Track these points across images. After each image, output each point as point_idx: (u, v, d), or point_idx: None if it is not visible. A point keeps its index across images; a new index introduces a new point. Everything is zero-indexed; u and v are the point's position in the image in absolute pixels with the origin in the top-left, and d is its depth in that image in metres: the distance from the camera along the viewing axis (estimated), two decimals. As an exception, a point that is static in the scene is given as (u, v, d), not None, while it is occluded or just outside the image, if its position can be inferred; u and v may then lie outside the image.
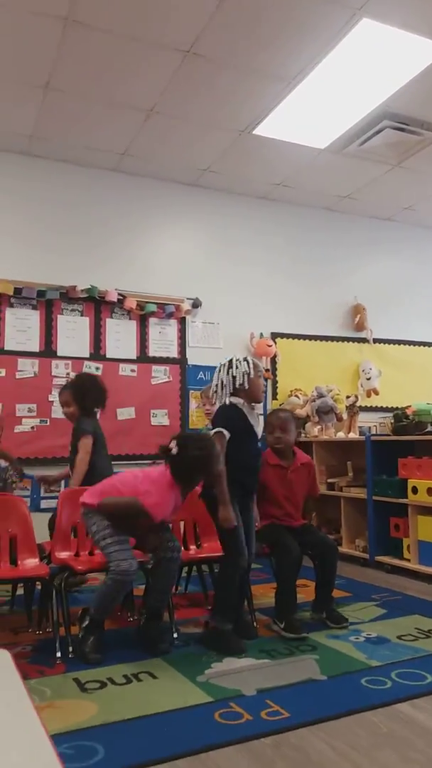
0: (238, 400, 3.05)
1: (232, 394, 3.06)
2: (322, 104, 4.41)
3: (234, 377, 3.04)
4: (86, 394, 3.79)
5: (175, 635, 3.01)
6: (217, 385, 3.11)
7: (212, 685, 2.46)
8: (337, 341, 6.33)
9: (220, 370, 3.11)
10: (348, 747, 1.99)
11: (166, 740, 2.02)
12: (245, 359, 3.11)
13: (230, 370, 3.06)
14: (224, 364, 3.11)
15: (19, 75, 4.12)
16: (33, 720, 0.63)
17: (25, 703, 0.67)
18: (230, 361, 3.10)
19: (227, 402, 3.05)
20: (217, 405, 3.13)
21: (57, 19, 3.56)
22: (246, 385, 3.04)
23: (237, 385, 3.04)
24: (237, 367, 3.06)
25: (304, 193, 5.99)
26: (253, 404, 3.13)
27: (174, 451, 2.75)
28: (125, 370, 5.45)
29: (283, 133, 4.83)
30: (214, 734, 2.06)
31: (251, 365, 3.08)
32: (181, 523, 3.52)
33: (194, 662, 2.70)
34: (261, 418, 3.23)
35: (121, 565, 2.74)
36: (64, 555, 3.06)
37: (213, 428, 3.02)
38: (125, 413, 5.33)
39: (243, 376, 3.04)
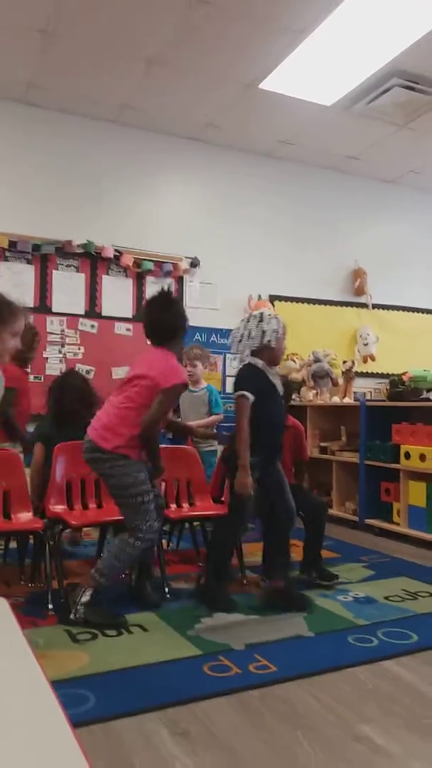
0: (257, 361, 2.92)
1: (253, 352, 2.92)
2: (330, 59, 4.27)
3: (264, 332, 2.89)
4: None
5: (167, 590, 3.05)
6: (242, 335, 2.93)
7: (202, 639, 2.50)
8: (336, 305, 6.29)
9: (248, 321, 2.94)
10: (333, 701, 2.04)
11: (156, 690, 2.06)
12: (276, 316, 2.97)
13: (260, 324, 2.90)
14: (255, 316, 2.95)
15: (17, 19, 3.95)
16: (33, 665, 0.63)
17: (24, 649, 0.67)
18: (261, 315, 2.95)
19: (247, 362, 2.92)
20: (237, 358, 3.01)
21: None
22: (273, 344, 2.91)
23: (264, 342, 2.90)
24: (268, 323, 2.92)
25: (308, 151, 5.86)
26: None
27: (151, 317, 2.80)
28: (121, 328, 5.40)
29: (289, 89, 4.69)
30: (203, 685, 2.11)
31: (281, 324, 2.95)
32: (175, 481, 3.54)
33: (185, 617, 2.75)
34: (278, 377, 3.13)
35: (155, 525, 2.72)
36: (58, 509, 3.07)
37: (235, 390, 2.88)
38: (120, 372, 5.30)
39: (272, 333, 2.91)
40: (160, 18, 3.90)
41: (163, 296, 2.91)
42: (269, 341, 2.91)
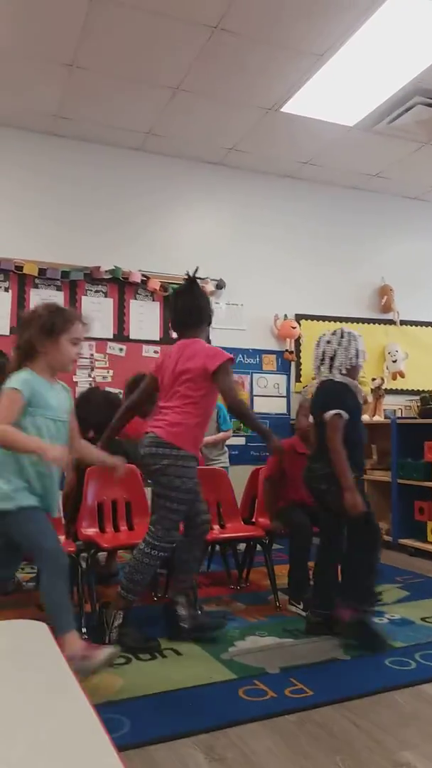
0: (349, 380, 2.83)
1: (344, 373, 2.82)
2: (351, 81, 4.31)
3: (357, 351, 2.82)
4: None
5: (199, 613, 3.03)
6: (335, 351, 2.82)
7: (236, 663, 2.48)
8: (363, 323, 6.26)
9: (342, 337, 2.83)
10: (372, 725, 2.00)
11: (192, 715, 2.05)
12: (359, 336, 2.90)
13: (354, 342, 2.83)
14: (348, 333, 2.86)
15: (44, 53, 4.09)
16: (75, 689, 0.65)
17: (66, 673, 0.68)
18: (351, 333, 2.86)
19: (339, 380, 2.82)
20: (321, 374, 2.89)
21: (83, -5, 3.53)
22: (361, 363, 2.86)
23: (358, 361, 2.83)
24: (359, 342, 2.85)
25: (331, 171, 5.89)
26: None
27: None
28: (149, 351, 5.46)
29: (311, 111, 4.74)
30: (238, 710, 2.09)
31: (363, 345, 2.89)
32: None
33: (218, 640, 2.73)
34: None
35: (175, 536, 2.71)
36: (90, 532, 3.09)
37: (324, 409, 2.77)
38: (149, 394, 5.35)
39: (363, 353, 2.85)
40: (183, 47, 3.99)
41: (188, 285, 2.89)
42: (360, 361, 2.86)
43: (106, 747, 0.54)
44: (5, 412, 2.19)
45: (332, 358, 2.84)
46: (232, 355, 2.76)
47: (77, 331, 2.33)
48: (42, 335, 2.27)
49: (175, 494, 2.66)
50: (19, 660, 0.78)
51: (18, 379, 2.24)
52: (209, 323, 2.93)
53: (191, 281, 2.89)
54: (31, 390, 2.24)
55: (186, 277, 2.91)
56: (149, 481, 2.87)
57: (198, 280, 2.91)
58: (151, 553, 2.66)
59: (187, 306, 2.79)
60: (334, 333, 2.89)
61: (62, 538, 3.01)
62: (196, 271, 2.89)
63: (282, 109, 4.73)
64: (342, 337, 2.85)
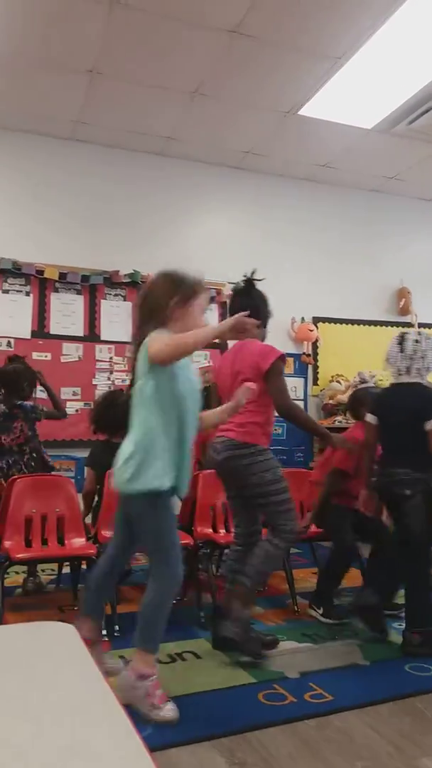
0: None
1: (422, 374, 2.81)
2: (370, 83, 4.30)
3: None
4: None
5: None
6: (425, 352, 2.84)
7: (255, 667, 2.48)
8: (381, 326, 6.23)
9: (428, 338, 2.88)
10: (392, 731, 1.99)
11: (212, 718, 2.06)
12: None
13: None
14: (428, 336, 2.89)
15: (65, 60, 4.13)
16: (106, 691, 0.66)
17: (96, 675, 0.69)
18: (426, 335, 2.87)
19: (424, 384, 2.81)
20: (402, 375, 2.86)
21: (102, 3, 3.56)
22: None
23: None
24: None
25: (349, 174, 5.88)
26: None
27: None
28: (167, 354, 5.48)
29: (329, 114, 4.73)
30: (258, 714, 2.09)
31: None
32: (223, 505, 3.53)
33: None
34: None
35: (295, 528, 2.68)
36: (110, 534, 3.11)
37: (428, 416, 2.69)
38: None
39: None
40: (202, 51, 4.01)
41: (246, 286, 2.87)
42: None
43: (139, 749, 0.55)
44: (173, 336, 2.09)
45: (423, 359, 2.82)
46: (282, 352, 2.72)
47: (205, 298, 2.31)
48: (178, 302, 2.21)
49: (273, 486, 2.62)
50: (49, 661, 0.79)
51: (163, 334, 2.13)
52: (266, 324, 2.91)
53: (249, 282, 2.88)
54: None
55: (244, 278, 2.88)
56: (231, 491, 2.83)
57: (255, 281, 2.88)
58: (279, 545, 2.62)
59: (244, 307, 2.67)
60: (419, 333, 2.89)
61: (83, 540, 3.04)
62: (253, 272, 2.87)
63: (300, 112, 4.73)
64: (428, 339, 2.86)
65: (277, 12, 3.63)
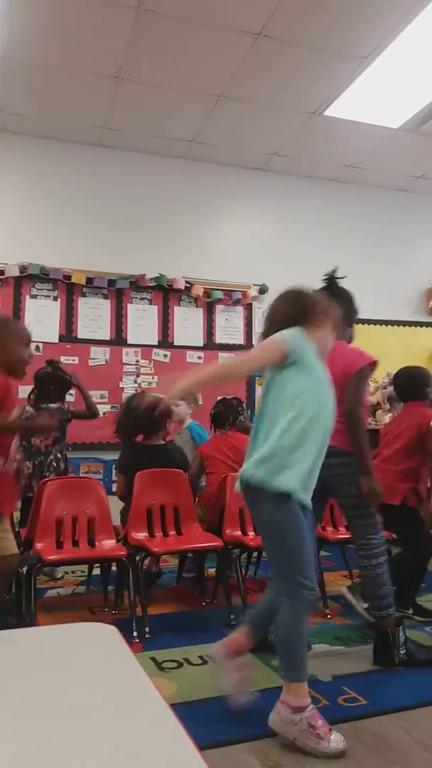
0: None
1: None
2: (397, 82, 4.27)
3: None
4: None
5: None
6: None
7: (287, 670, 2.47)
8: (410, 326, 6.17)
9: None
10: (427, 736, 1.97)
11: (245, 720, 2.05)
12: None
13: None
14: None
15: (90, 66, 4.18)
16: (153, 691, 0.66)
17: (141, 674, 0.70)
18: None
19: None
20: None
21: (128, 9, 3.59)
22: None
23: None
24: None
25: (375, 174, 5.84)
26: None
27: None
28: (192, 357, 5.50)
29: (355, 114, 4.71)
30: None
31: None
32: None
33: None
34: None
35: (382, 537, 2.61)
36: (140, 536, 3.13)
37: None
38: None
39: None
40: (226, 54, 4.02)
41: (327, 285, 2.79)
42: None
43: (190, 749, 0.55)
44: (257, 351, 2.08)
45: None
46: (374, 358, 2.61)
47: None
48: (323, 315, 2.14)
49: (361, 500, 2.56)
50: (94, 662, 0.80)
51: (288, 332, 2.04)
52: (352, 324, 2.80)
53: (330, 280, 2.80)
54: (300, 347, 2.03)
55: (325, 276, 2.81)
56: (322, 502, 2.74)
57: (337, 279, 2.80)
58: (375, 563, 2.54)
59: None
60: None
61: (113, 541, 3.06)
62: (335, 270, 2.81)
63: (326, 113, 4.71)
64: None
65: (302, 13, 3.62)
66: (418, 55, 3.98)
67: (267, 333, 2.14)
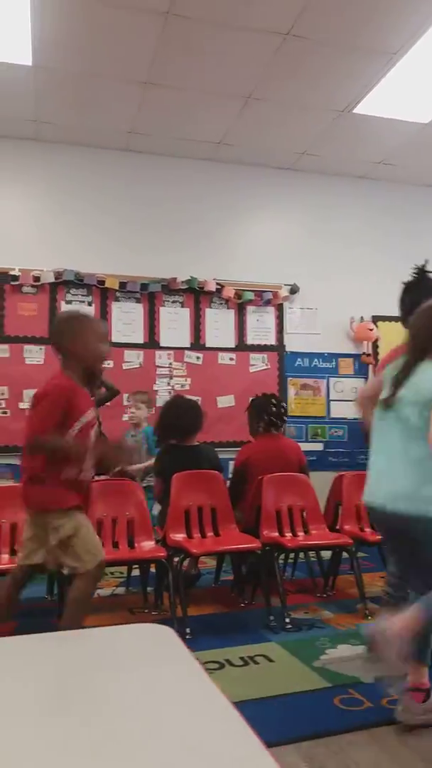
0: None
1: None
2: (425, 77, 4.21)
3: None
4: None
5: (287, 620, 3.03)
6: None
7: (329, 671, 2.47)
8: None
9: None
10: None
11: (289, 723, 2.05)
12: None
13: None
14: None
15: (120, 73, 4.23)
16: (215, 691, 0.67)
17: (202, 674, 0.71)
18: None
19: None
20: None
21: (158, 15, 3.62)
22: None
23: None
24: None
25: (405, 170, 5.77)
26: None
27: None
28: (224, 358, 5.51)
29: (384, 110, 4.66)
30: (336, 719, 2.07)
31: None
32: (288, 509, 3.52)
33: (308, 647, 2.72)
34: None
35: None
36: (178, 537, 3.15)
37: None
38: (225, 401, 5.40)
39: None
40: (255, 55, 4.03)
41: (417, 279, 2.70)
42: None
43: (259, 747, 0.56)
44: None
45: None
46: None
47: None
48: None
49: None
50: (154, 662, 0.81)
51: None
52: None
53: (421, 273, 2.71)
54: None
55: (414, 270, 2.72)
56: None
57: (429, 273, 2.69)
58: None
59: (416, 301, 2.36)
60: None
61: (152, 543, 3.09)
62: (425, 264, 2.71)
63: (354, 111, 4.68)
64: None
65: (330, 12, 3.60)
66: (449, 49, 3.92)
67: (415, 354, 2.10)
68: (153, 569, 3.33)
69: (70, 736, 0.62)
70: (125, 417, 4.76)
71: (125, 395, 4.79)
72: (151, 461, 4.07)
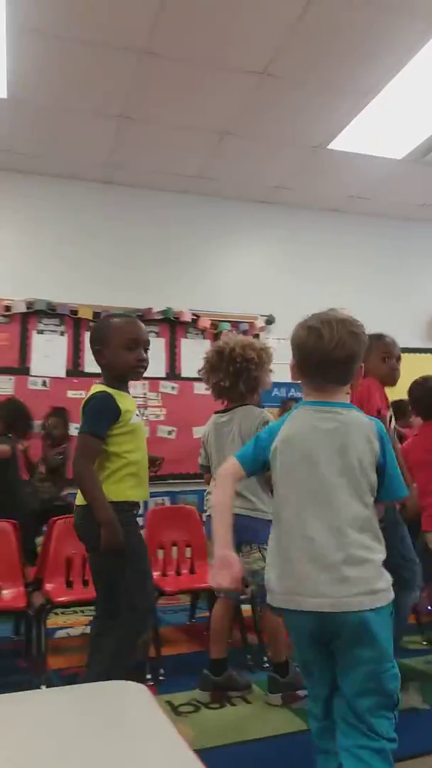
0: None
1: None
2: (399, 115, 4.32)
3: None
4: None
5: (265, 659, 2.94)
6: None
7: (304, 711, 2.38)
8: (420, 353, 6.15)
9: None
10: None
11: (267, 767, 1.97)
12: None
13: None
14: None
15: (95, 107, 4.25)
16: (191, 756, 0.62)
17: (177, 740, 0.66)
18: None
19: None
20: None
21: (134, 52, 3.66)
22: None
23: None
24: None
25: (379, 204, 5.89)
26: None
27: None
28: (200, 388, 5.46)
29: (358, 146, 4.76)
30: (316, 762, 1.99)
31: None
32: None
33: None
34: None
35: None
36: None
37: None
38: (201, 431, 5.33)
39: None
40: (230, 94, 4.09)
41: None
42: None
43: None
44: None
45: None
46: None
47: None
48: None
49: None
50: (127, 727, 0.75)
51: None
52: None
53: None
54: None
55: None
56: None
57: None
58: None
59: None
60: None
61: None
62: None
63: (329, 146, 4.77)
64: None
65: (305, 52, 3.69)
66: (419, 90, 4.03)
67: None
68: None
69: None
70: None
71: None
72: None
